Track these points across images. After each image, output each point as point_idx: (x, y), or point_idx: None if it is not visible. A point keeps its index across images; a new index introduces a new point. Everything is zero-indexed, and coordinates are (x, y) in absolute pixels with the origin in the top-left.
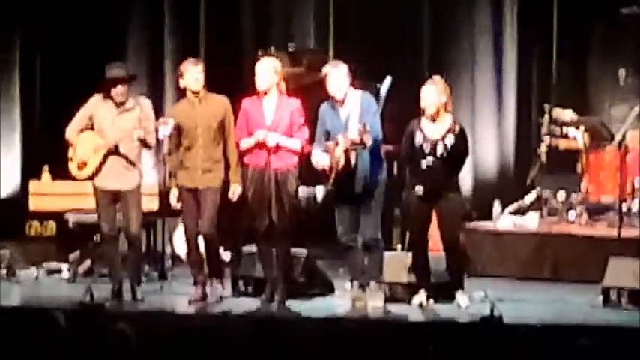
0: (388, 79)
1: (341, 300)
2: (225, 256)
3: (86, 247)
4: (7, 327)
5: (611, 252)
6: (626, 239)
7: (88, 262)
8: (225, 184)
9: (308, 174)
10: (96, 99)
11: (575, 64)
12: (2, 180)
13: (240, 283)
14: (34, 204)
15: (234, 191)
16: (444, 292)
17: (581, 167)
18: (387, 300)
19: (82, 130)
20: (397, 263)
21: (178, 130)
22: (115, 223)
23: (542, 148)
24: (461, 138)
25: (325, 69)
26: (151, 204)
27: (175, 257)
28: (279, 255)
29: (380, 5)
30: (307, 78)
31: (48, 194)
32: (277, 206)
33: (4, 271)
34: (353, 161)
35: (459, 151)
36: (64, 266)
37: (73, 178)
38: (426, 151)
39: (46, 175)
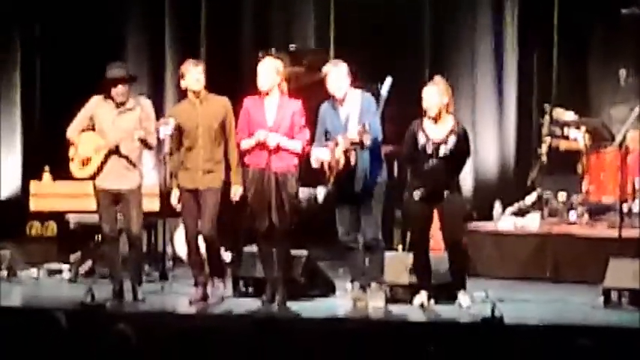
0: (389, 80)
1: (342, 301)
2: (226, 256)
3: (87, 248)
4: (8, 327)
5: (612, 253)
6: (626, 240)
7: (88, 263)
8: (226, 185)
9: (308, 175)
10: (96, 99)
11: (575, 64)
12: (3, 180)
13: (241, 283)
14: (35, 204)
15: (236, 192)
16: (444, 292)
17: (581, 168)
18: (387, 300)
19: (82, 131)
20: (398, 264)
21: (179, 131)
22: (116, 223)
23: (543, 149)
24: (463, 139)
25: (325, 68)
26: (151, 204)
27: (176, 258)
28: (280, 256)
29: (381, 7)
30: (308, 78)
31: (48, 195)
32: (277, 207)
33: (5, 272)
34: (353, 161)
35: (461, 152)
36: (65, 267)
37: (74, 179)
38: (429, 152)
39: (46, 176)
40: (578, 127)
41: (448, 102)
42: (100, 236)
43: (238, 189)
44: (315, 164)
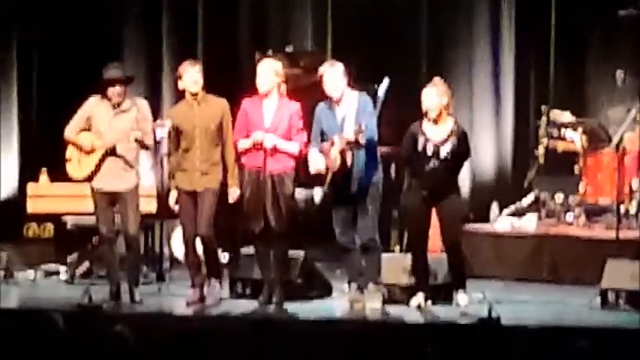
0: (386, 81)
1: (339, 302)
2: (223, 257)
3: (84, 249)
4: (5, 329)
5: (609, 254)
6: (624, 241)
7: (86, 264)
8: (223, 186)
9: (305, 176)
10: (93, 100)
11: (572, 66)
12: (0, 182)
13: (238, 285)
14: (32, 206)
15: (233, 194)
16: (442, 293)
17: (579, 169)
18: (385, 302)
19: (80, 131)
20: (395, 265)
21: (177, 132)
22: (113, 225)
23: (540, 150)
24: (463, 140)
25: (321, 68)
26: (148, 206)
27: (173, 259)
28: (277, 257)
29: (378, 8)
30: (305, 79)
31: (46, 196)
32: (273, 208)
33: (2, 273)
34: (349, 162)
35: (461, 153)
36: (62, 268)
37: (71, 180)
38: (429, 153)
39: (43, 177)
40: (575, 129)
41: (448, 103)
42: (97, 238)
43: (235, 190)
44: (312, 171)
